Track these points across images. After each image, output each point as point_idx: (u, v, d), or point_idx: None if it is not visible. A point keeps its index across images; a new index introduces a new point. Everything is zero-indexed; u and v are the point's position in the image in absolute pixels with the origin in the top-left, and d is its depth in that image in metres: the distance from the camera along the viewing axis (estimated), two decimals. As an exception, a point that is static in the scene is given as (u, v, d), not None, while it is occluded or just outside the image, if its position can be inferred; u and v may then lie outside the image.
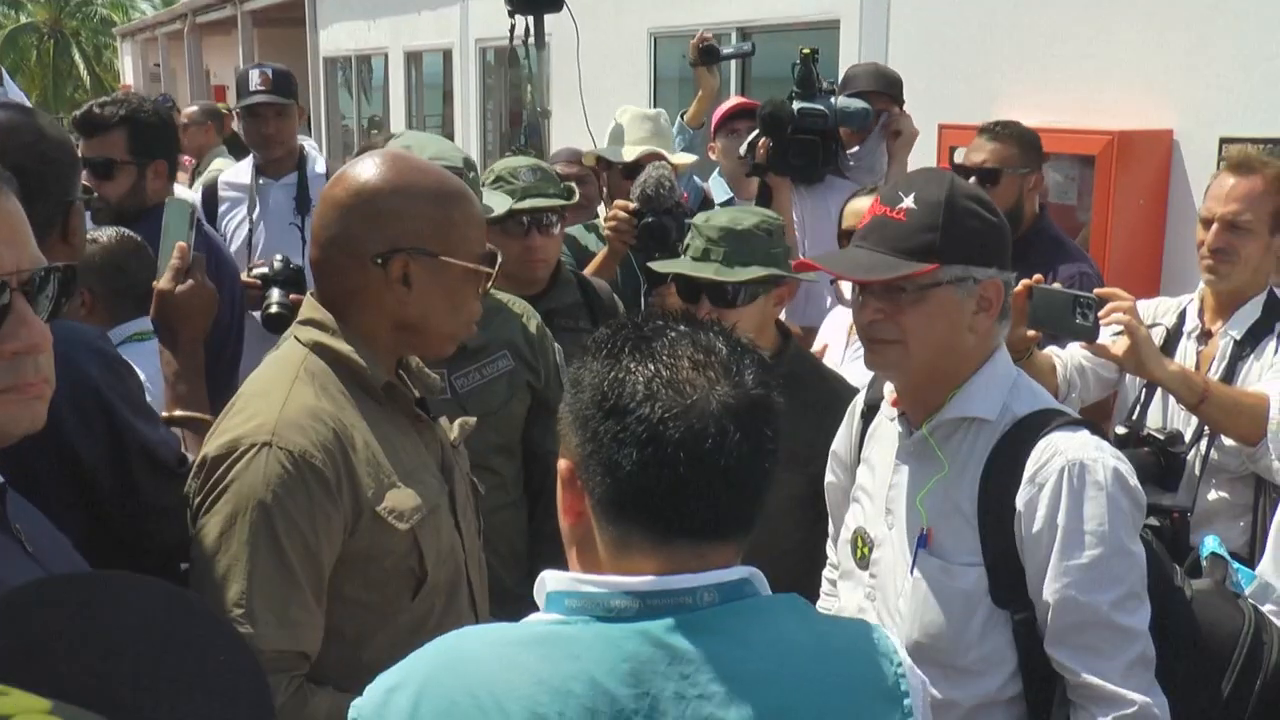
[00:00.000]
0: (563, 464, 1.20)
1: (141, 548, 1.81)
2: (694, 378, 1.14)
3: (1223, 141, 4.11)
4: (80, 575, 0.94)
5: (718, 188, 4.64)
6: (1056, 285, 2.61)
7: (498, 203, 2.78)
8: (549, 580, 1.20)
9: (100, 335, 1.96)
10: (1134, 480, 1.79)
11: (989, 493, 1.80)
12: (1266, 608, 2.06)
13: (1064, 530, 1.73)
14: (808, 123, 3.86)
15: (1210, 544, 2.12)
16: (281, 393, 1.71)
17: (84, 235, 2.11)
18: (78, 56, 29.57)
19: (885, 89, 4.13)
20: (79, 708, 0.61)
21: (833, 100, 3.93)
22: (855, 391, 2.64)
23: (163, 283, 2.13)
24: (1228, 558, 2.10)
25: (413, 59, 12.77)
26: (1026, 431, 1.80)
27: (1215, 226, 2.84)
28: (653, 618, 1.13)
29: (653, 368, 1.14)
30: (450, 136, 12.19)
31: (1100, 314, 2.50)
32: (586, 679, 1.10)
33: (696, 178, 4.74)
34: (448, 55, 11.71)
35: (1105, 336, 2.61)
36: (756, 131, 4.00)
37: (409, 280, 1.74)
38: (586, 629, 1.14)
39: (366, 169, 1.78)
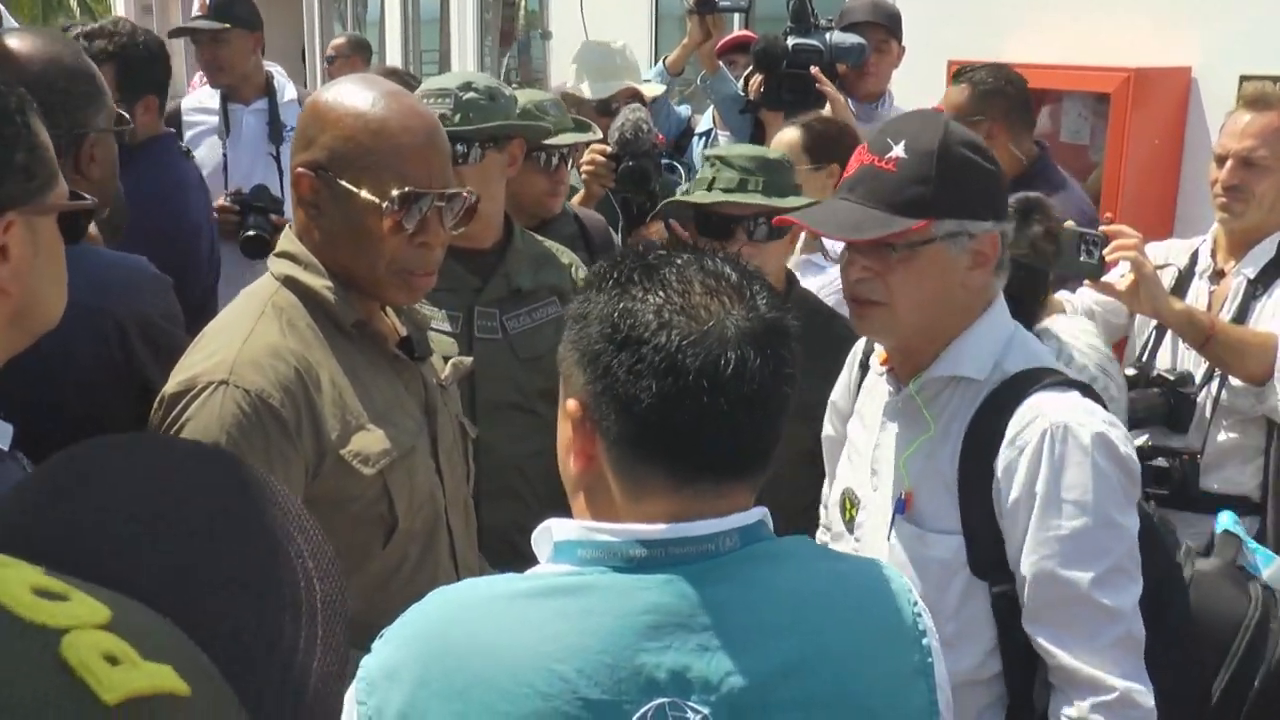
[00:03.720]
0: (570, 404, 1.13)
1: None
2: (708, 303, 1.09)
3: (1243, 79, 3.98)
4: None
5: (706, 120, 4.66)
6: (1069, 224, 2.54)
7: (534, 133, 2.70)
8: (556, 529, 1.14)
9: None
10: (1126, 448, 1.66)
11: (970, 456, 1.69)
12: None
13: (1043, 498, 1.61)
14: (802, 58, 3.84)
15: (1225, 520, 1.96)
16: (244, 329, 1.64)
17: (108, 169, 2.10)
18: (69, -13, 29.14)
19: (883, 21, 4.10)
20: (142, 606, 0.53)
21: (828, 36, 3.91)
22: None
23: None
24: (1243, 536, 1.94)
25: (410, -8, 12.51)
26: (1012, 391, 1.68)
27: (1229, 163, 2.78)
28: (675, 566, 1.08)
29: (663, 295, 1.09)
30: (447, 72, 12.01)
31: (1106, 251, 2.45)
32: (605, 633, 1.05)
33: (683, 107, 4.74)
34: (445, -12, 11.47)
35: (1111, 275, 2.55)
36: (750, 68, 3.99)
37: (318, 203, 1.67)
38: (603, 579, 1.08)
39: (329, 84, 1.76)
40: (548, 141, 2.80)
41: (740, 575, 1.09)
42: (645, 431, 1.08)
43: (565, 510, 1.21)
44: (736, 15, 6.62)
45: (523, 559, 1.48)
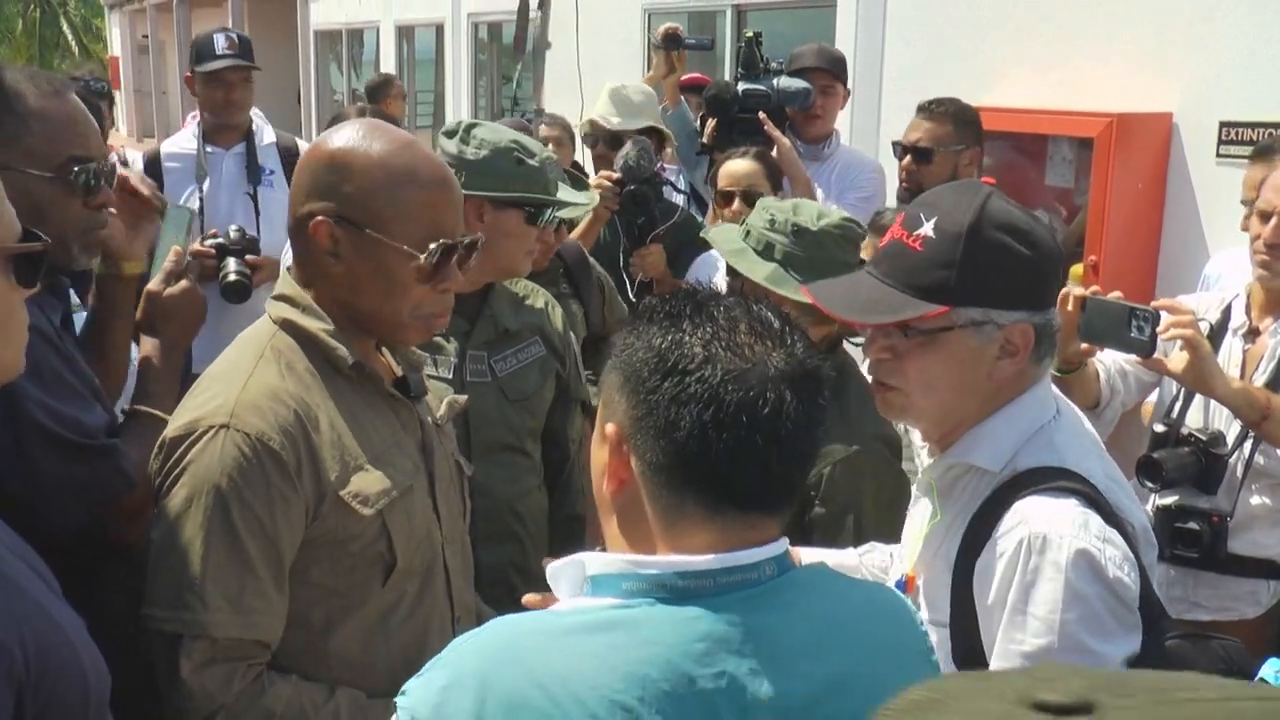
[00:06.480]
0: (610, 428, 1.17)
1: (38, 528, 1.63)
2: (751, 343, 1.14)
3: (1223, 125, 4.07)
4: None
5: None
6: (1115, 295, 2.46)
7: (570, 195, 2.71)
8: (590, 563, 1.17)
9: None
10: (1117, 570, 1.51)
11: (965, 551, 1.61)
12: None
13: (1011, 609, 1.52)
14: (751, 102, 4.09)
15: (1270, 668, 1.65)
16: (244, 373, 1.65)
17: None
18: (65, 27, 29.25)
19: (829, 67, 4.33)
20: None
21: (776, 81, 4.16)
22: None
23: (153, 284, 2.11)
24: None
25: (404, 33, 12.63)
26: (1013, 489, 1.58)
27: (1275, 220, 2.66)
28: (721, 595, 1.12)
29: (711, 330, 1.14)
30: (441, 112, 12.11)
31: (1160, 329, 2.36)
32: (662, 662, 1.08)
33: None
34: (440, 30, 11.59)
35: (1160, 349, 2.45)
36: (704, 112, 4.24)
37: (338, 251, 1.68)
38: (654, 611, 1.11)
39: (337, 130, 1.75)
40: (560, 215, 2.83)
41: (781, 601, 1.14)
42: (681, 460, 1.12)
43: (557, 551, 1.22)
44: (729, 59, 6.76)
45: (519, 600, 1.51)
